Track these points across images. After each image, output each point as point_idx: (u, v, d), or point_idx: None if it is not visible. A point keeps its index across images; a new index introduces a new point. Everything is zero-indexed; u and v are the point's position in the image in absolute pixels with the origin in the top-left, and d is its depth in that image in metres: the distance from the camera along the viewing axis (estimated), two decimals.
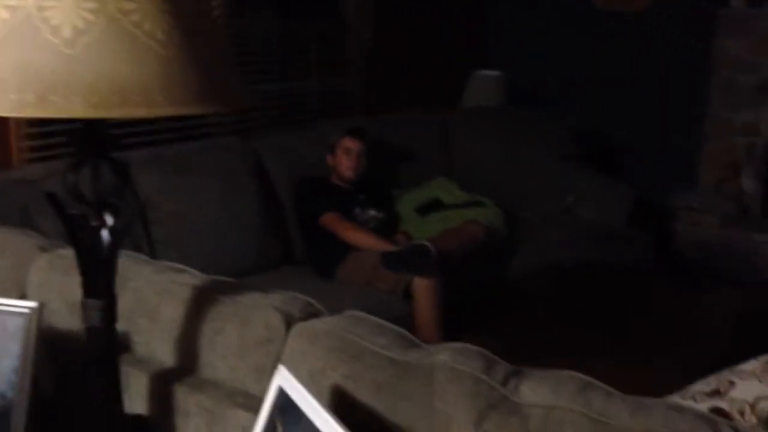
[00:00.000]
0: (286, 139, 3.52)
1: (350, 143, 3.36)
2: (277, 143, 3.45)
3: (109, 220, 1.22)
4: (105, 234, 1.22)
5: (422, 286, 2.92)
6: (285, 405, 1.15)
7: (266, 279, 2.95)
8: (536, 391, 1.19)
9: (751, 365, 1.52)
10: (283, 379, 1.16)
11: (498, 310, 3.00)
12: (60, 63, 1.03)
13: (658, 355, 2.58)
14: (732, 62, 4.50)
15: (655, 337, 2.75)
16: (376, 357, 1.28)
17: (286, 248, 3.30)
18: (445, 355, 1.27)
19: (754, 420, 1.42)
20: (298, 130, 3.72)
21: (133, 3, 1.02)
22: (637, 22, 4.75)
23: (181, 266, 1.60)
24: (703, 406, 1.47)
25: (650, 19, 4.71)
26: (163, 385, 1.44)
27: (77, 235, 1.22)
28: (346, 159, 3.35)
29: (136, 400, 1.45)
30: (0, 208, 2.40)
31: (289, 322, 1.39)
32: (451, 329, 2.88)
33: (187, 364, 1.45)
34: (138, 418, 1.40)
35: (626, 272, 3.49)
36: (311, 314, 1.43)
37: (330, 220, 3.20)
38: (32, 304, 1.37)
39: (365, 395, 1.25)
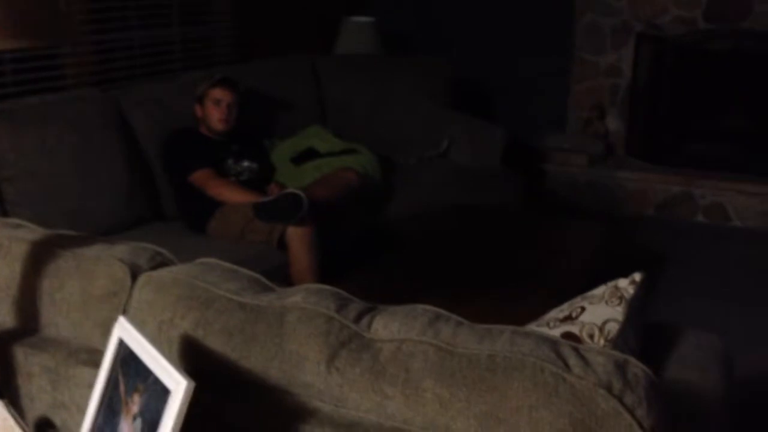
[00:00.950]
0: (150, 90, 3.35)
1: (220, 94, 3.23)
2: (140, 94, 3.28)
3: None
4: None
5: (296, 235, 2.89)
6: (126, 356, 1.10)
7: (134, 236, 2.83)
8: (388, 326, 1.19)
9: (601, 290, 1.58)
10: (123, 330, 1.11)
11: (374, 254, 3.01)
12: None
13: (528, 289, 2.66)
14: (594, 5, 4.64)
15: (525, 272, 2.83)
16: (227, 303, 1.24)
17: (155, 204, 3.18)
18: (297, 296, 1.25)
19: (602, 342, 1.48)
20: (162, 80, 3.56)
21: None
22: None
23: (17, 221, 1.50)
24: (556, 331, 1.52)
25: None
26: (2, 347, 1.35)
27: None
28: (216, 110, 3.23)
29: None
30: None
31: (135, 273, 1.33)
32: (329, 276, 2.88)
33: (27, 323, 1.37)
34: None
35: (499, 212, 3.57)
36: (160, 264, 1.37)
37: (199, 177, 3.10)
38: None
39: (216, 342, 1.22)
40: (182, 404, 0.96)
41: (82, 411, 1.24)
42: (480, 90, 5.00)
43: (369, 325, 1.21)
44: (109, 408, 1.11)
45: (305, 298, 1.24)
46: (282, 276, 2.88)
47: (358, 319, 1.22)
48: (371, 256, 3.01)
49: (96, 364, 1.27)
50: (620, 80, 4.72)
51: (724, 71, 4.51)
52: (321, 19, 4.69)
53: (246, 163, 3.30)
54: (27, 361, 1.32)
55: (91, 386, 1.25)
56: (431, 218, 3.35)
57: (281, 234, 2.92)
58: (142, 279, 1.32)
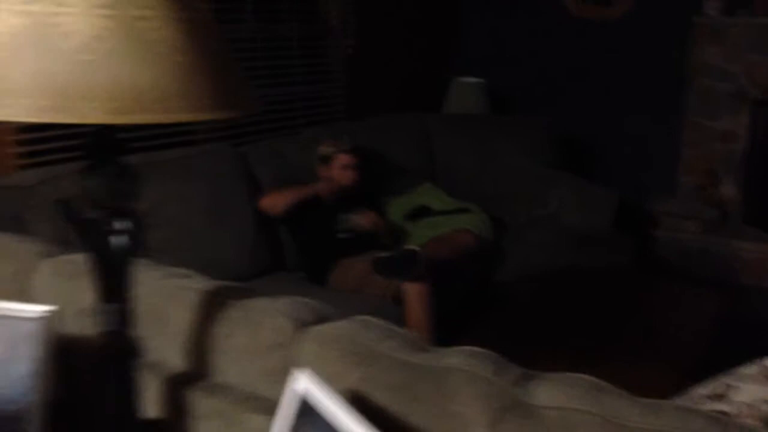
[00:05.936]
0: (275, 145, 3.53)
1: (348, 159, 3.39)
2: (265, 149, 3.46)
3: (124, 224, 1.22)
4: (120, 238, 1.22)
5: (412, 291, 2.94)
6: (304, 409, 1.16)
7: (260, 285, 2.94)
8: (549, 393, 1.21)
9: (749, 369, 1.56)
10: (301, 383, 1.17)
11: (486, 316, 3.02)
12: (77, 69, 1.03)
13: (642, 358, 2.61)
14: (709, 70, 4.59)
15: (639, 340, 2.78)
16: (389, 360, 1.29)
17: (277, 255, 3.30)
18: (456, 357, 1.29)
19: (756, 423, 1.46)
20: (286, 135, 3.73)
21: (149, 10, 1.03)
22: (614, 29, 4.83)
23: (186, 271, 1.60)
24: (706, 409, 1.51)
25: (627, 25, 4.79)
26: (175, 389, 1.44)
27: (93, 240, 1.22)
28: (344, 175, 3.38)
29: (148, 404, 1.45)
30: None
31: (299, 327, 1.40)
32: (442, 335, 2.90)
33: (198, 368, 1.46)
34: (152, 422, 1.40)
35: (611, 276, 3.53)
36: (321, 318, 1.44)
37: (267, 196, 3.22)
38: (45, 308, 1.37)
39: (381, 398, 1.26)
40: None
41: None
42: (586, 149, 4.99)
43: (529, 391, 1.23)
44: None
45: (465, 360, 1.28)
46: None
47: (517, 383, 1.25)
48: (482, 316, 3.02)
49: (262, 411, 1.34)
50: (736, 146, 4.62)
51: None
52: (430, 79, 4.82)
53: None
54: (198, 403, 1.41)
55: None
56: (544, 280, 3.34)
57: (397, 289, 2.97)
58: (306, 333, 1.39)
